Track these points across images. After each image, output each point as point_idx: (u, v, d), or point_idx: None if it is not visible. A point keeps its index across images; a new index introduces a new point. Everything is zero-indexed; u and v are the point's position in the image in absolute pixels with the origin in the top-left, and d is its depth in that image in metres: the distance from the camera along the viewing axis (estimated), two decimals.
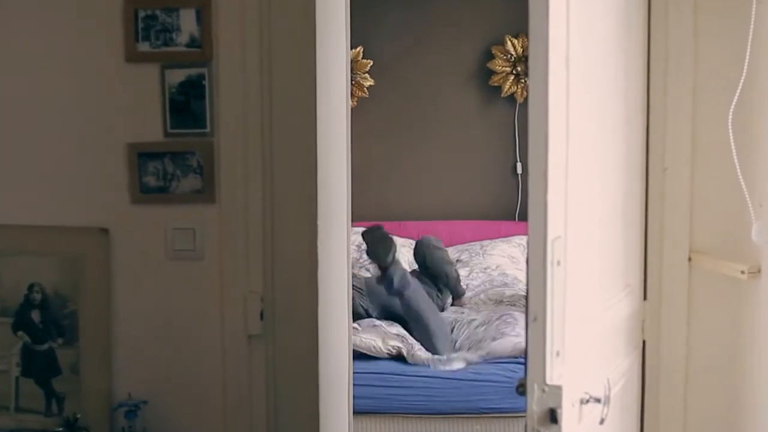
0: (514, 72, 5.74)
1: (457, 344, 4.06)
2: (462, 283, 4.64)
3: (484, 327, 4.08)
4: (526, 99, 5.52)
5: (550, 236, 1.52)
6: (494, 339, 3.94)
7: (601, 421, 1.77)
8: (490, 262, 5.11)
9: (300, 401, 2.40)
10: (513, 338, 3.91)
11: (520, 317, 4.03)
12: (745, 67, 1.99)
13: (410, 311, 4.07)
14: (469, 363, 3.84)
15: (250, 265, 2.36)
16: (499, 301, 4.51)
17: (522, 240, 5.20)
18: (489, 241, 5.41)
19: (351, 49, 2.87)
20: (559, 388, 1.52)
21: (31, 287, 2.42)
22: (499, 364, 3.81)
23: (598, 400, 1.72)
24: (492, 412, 3.70)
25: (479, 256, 5.20)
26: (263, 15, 2.29)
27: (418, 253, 4.55)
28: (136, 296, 2.41)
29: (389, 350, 3.91)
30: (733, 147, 2.01)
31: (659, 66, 2.22)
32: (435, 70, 5.81)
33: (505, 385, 3.69)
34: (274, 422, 2.40)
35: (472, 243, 5.43)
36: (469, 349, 3.98)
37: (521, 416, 3.55)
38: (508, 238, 5.43)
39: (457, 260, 5.16)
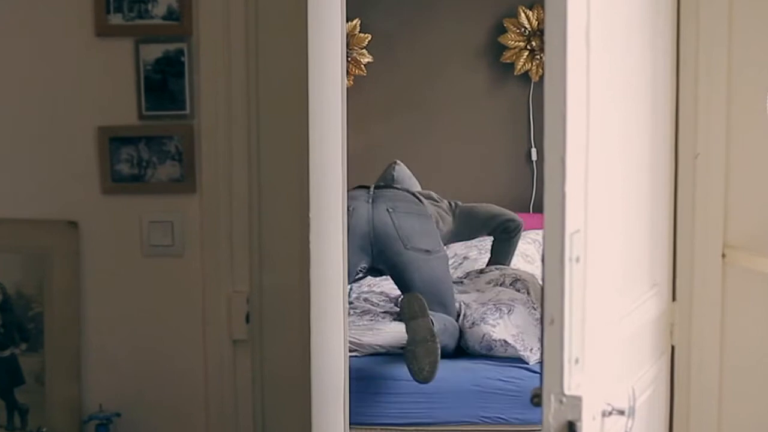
0: (528, 47, 5.74)
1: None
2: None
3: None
4: (541, 77, 5.51)
5: (569, 230, 1.52)
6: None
7: None
8: None
9: (291, 413, 2.41)
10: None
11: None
12: None
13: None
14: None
15: (234, 262, 2.37)
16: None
17: (537, 235, 5.20)
18: None
19: (347, 21, 2.87)
20: (578, 398, 1.53)
21: None
22: (502, 368, 3.83)
23: (621, 412, 1.73)
24: (497, 423, 3.72)
25: (489, 253, 5.19)
26: None
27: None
28: (108, 297, 2.42)
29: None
30: None
31: (690, 43, 2.22)
32: (440, 45, 5.81)
33: (511, 393, 3.70)
34: None
35: (481, 239, 5.43)
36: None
37: (529, 428, 3.63)
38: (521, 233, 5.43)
39: (465, 257, 5.17)
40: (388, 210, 4.07)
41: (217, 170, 2.35)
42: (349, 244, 3.74)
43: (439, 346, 3.64)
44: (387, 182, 4.67)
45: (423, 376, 3.64)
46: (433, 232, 4.16)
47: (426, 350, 3.64)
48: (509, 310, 4.05)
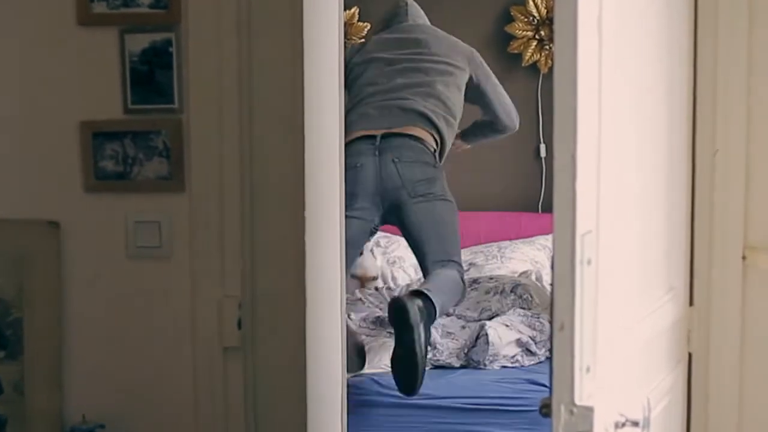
0: (536, 37, 5.74)
1: None
2: None
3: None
4: (550, 69, 5.51)
5: (580, 231, 1.52)
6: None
7: None
8: (509, 266, 5.12)
9: (285, 425, 2.41)
10: None
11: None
12: None
13: None
14: None
15: (225, 265, 2.37)
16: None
17: (547, 241, 5.19)
18: (508, 242, 5.41)
19: (345, 9, 2.87)
20: (589, 409, 1.53)
21: None
22: (508, 381, 3.84)
23: (635, 424, 1.73)
24: None
25: (496, 259, 5.20)
26: None
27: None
28: (91, 301, 2.42)
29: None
30: None
31: (708, 31, 2.22)
32: None
33: (517, 407, 3.71)
34: None
35: (488, 244, 5.43)
36: None
37: None
38: (530, 239, 5.43)
39: (470, 264, 5.17)
40: (393, 160, 4.17)
41: (207, 167, 2.35)
42: (362, 201, 3.98)
43: (422, 360, 3.69)
44: (399, 21, 4.64)
45: (404, 390, 3.71)
46: (437, 178, 4.27)
47: (408, 365, 3.69)
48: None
